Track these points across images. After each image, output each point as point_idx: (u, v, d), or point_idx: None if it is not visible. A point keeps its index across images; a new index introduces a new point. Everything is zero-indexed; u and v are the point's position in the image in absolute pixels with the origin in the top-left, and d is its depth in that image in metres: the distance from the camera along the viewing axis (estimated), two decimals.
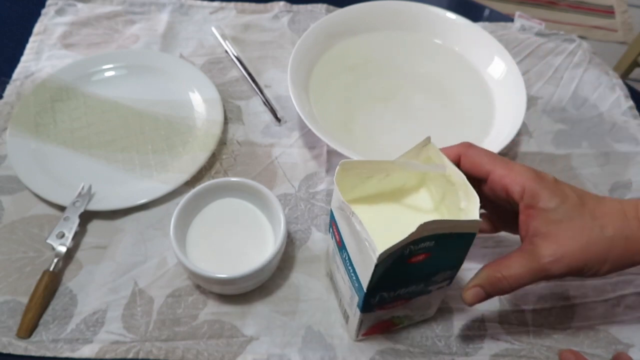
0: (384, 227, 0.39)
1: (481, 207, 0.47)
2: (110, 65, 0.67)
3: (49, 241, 0.51)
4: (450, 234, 0.37)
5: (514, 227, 0.45)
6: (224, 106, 0.64)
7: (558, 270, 0.39)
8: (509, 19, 0.79)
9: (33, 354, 0.47)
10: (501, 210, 0.45)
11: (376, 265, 0.35)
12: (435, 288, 0.43)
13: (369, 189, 0.43)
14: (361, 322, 0.44)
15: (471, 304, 0.41)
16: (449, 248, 0.38)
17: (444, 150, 0.43)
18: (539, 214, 0.40)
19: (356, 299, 0.42)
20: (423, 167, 0.41)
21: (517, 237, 0.55)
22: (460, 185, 0.39)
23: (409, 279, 0.40)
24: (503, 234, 0.56)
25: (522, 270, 0.40)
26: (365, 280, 0.38)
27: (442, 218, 0.41)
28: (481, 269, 0.41)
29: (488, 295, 0.41)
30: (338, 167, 0.39)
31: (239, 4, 0.77)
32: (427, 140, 0.41)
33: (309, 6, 0.78)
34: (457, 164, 0.43)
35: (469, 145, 0.43)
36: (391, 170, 0.42)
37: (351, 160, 0.40)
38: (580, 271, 0.40)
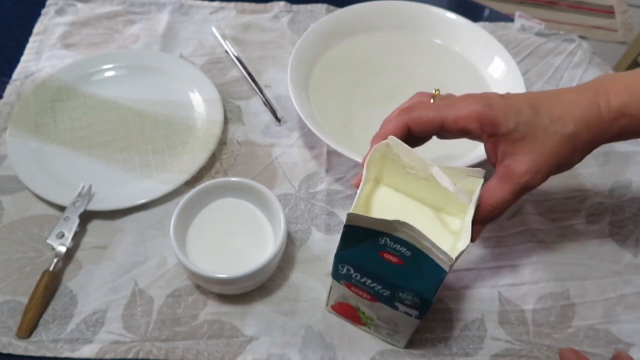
0: (389, 213, 0.38)
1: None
2: (110, 65, 0.67)
3: (49, 241, 0.51)
4: (426, 256, 0.37)
5: None
6: (224, 106, 0.64)
7: (537, 181, 0.42)
8: (509, 19, 0.79)
9: (33, 354, 0.47)
10: None
11: (345, 225, 0.38)
12: (403, 309, 0.42)
13: (404, 184, 0.43)
14: (330, 289, 0.46)
15: (475, 240, 0.43)
16: (421, 270, 0.38)
17: (389, 130, 0.43)
18: (502, 138, 0.41)
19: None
20: (451, 186, 0.39)
21: (517, 237, 0.56)
22: (465, 225, 0.39)
23: (378, 275, 0.40)
24: (504, 233, 0.56)
25: (505, 195, 0.42)
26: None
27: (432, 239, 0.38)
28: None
29: (485, 225, 0.44)
30: (385, 140, 0.41)
31: (239, 4, 0.77)
32: (478, 172, 0.41)
33: (309, 6, 0.78)
34: (408, 134, 0.43)
35: (406, 111, 0.43)
36: (424, 171, 0.41)
37: (398, 141, 0.41)
38: (556, 172, 0.43)
